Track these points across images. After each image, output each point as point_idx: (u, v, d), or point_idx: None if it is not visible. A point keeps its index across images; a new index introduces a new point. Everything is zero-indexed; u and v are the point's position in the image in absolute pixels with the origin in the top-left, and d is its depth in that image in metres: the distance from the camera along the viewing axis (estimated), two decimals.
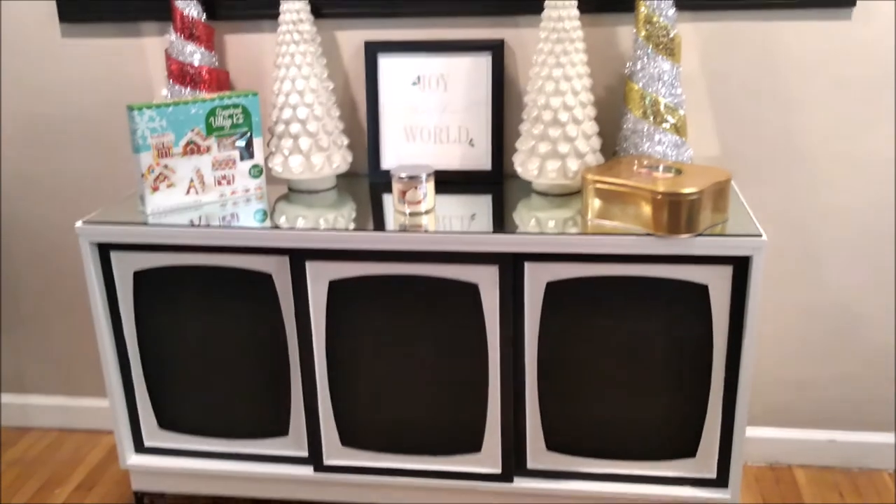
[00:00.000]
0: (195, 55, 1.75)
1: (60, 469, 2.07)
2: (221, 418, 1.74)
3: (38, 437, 2.21)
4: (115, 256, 1.64)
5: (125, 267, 1.64)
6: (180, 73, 1.75)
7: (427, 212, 1.61)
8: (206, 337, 1.68)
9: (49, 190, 2.03)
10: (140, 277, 1.65)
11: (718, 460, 1.60)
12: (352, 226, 1.57)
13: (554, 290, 1.53)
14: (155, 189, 1.65)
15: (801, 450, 1.96)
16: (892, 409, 1.91)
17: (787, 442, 1.96)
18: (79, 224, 1.61)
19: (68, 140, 1.98)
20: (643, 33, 1.61)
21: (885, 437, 1.93)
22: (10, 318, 2.17)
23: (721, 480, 1.61)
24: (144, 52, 1.88)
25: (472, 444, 1.66)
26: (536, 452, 1.65)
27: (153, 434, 1.77)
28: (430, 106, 1.79)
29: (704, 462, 1.61)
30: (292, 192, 1.80)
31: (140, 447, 1.79)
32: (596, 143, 1.67)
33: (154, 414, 1.76)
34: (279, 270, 1.59)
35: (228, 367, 1.69)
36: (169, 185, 1.66)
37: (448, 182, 1.75)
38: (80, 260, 1.64)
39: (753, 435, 1.94)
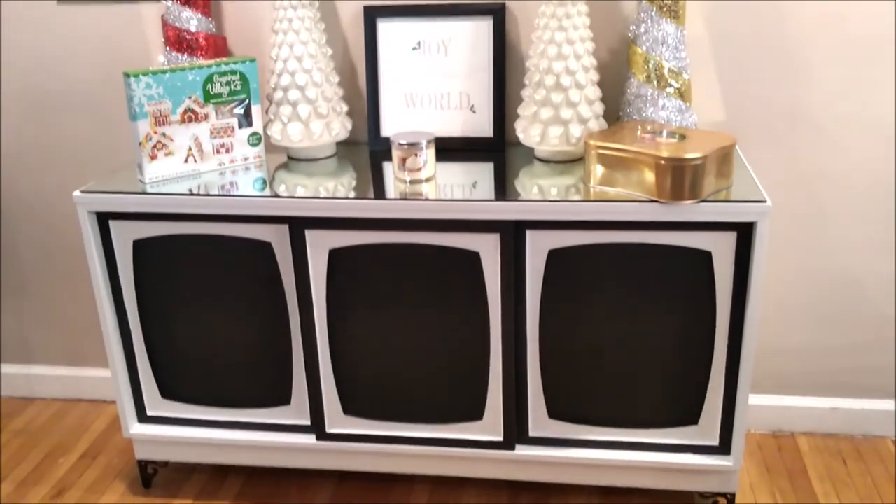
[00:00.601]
0: (192, 21, 1.72)
1: (64, 438, 2.07)
2: (223, 387, 1.74)
3: (43, 406, 2.21)
4: (114, 226, 1.63)
5: (124, 236, 1.63)
6: (177, 40, 1.73)
7: (427, 179, 1.59)
8: (206, 306, 1.67)
9: (47, 158, 2.01)
10: (139, 246, 1.64)
11: (721, 428, 1.60)
12: (352, 194, 1.56)
13: (556, 258, 1.52)
14: (153, 157, 1.63)
15: (804, 417, 1.96)
16: (895, 376, 1.91)
17: (789, 409, 1.95)
18: (77, 193, 1.60)
19: (65, 108, 1.96)
20: None
21: (887, 405, 1.92)
22: (13, 288, 2.16)
23: (723, 447, 1.61)
24: (141, 19, 1.86)
25: (474, 411, 1.65)
26: (538, 420, 1.65)
27: (155, 403, 1.78)
28: (431, 72, 1.76)
29: (707, 429, 1.60)
30: (291, 161, 1.78)
31: (143, 416, 1.79)
32: (599, 108, 1.65)
33: (156, 383, 1.76)
34: (279, 239, 1.58)
35: (229, 336, 1.69)
36: (167, 154, 1.64)
37: (449, 149, 1.73)
38: (80, 229, 1.63)
39: (756, 402, 1.94)
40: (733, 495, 1.66)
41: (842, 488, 1.78)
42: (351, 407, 1.70)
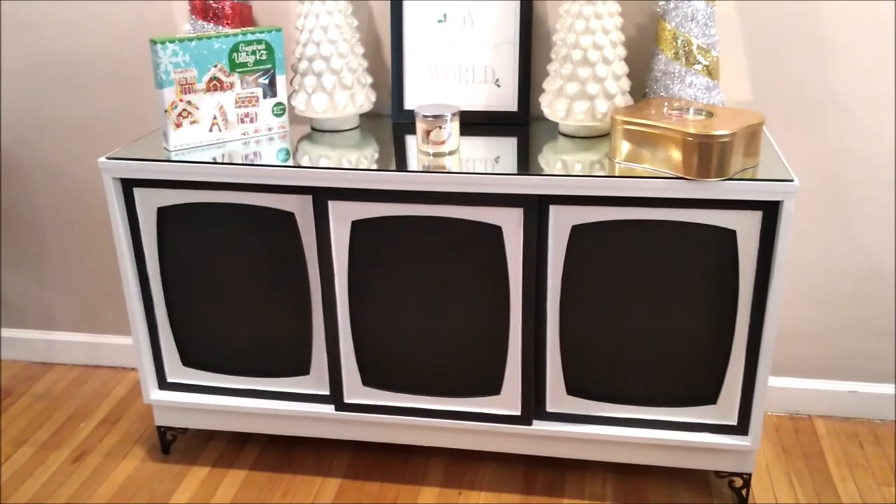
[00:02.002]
0: None
1: (85, 403, 2.10)
2: (243, 356, 1.75)
3: (63, 372, 2.24)
4: (138, 193, 1.64)
5: (149, 203, 1.64)
6: (203, 9, 1.72)
7: (451, 152, 1.59)
8: (228, 275, 1.68)
9: (71, 125, 2.02)
10: (163, 214, 1.65)
11: (739, 408, 1.59)
12: (375, 166, 1.56)
13: (579, 234, 1.51)
14: (178, 125, 1.63)
15: (822, 400, 1.95)
16: None
17: (807, 392, 1.95)
18: (102, 159, 1.61)
19: (91, 76, 1.97)
20: None
21: None
22: (35, 254, 2.18)
23: (741, 428, 1.61)
24: None
25: (493, 386, 1.66)
26: (556, 396, 1.65)
27: (176, 370, 1.79)
28: (456, 45, 1.75)
29: (725, 409, 1.60)
30: (315, 132, 1.78)
31: (163, 383, 1.81)
32: (626, 84, 1.64)
33: (177, 351, 1.77)
34: (302, 209, 1.58)
35: (251, 305, 1.69)
36: (192, 122, 1.64)
37: (473, 123, 1.73)
38: (104, 196, 1.64)
39: (774, 384, 1.93)
40: (749, 475, 1.66)
41: (858, 471, 1.78)
42: (370, 378, 1.70)
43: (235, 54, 1.64)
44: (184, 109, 1.63)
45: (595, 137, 1.67)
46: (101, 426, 2.01)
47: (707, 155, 1.40)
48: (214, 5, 1.72)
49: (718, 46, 1.62)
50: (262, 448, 1.89)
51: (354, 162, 1.57)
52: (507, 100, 1.76)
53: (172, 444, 1.89)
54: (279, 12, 1.83)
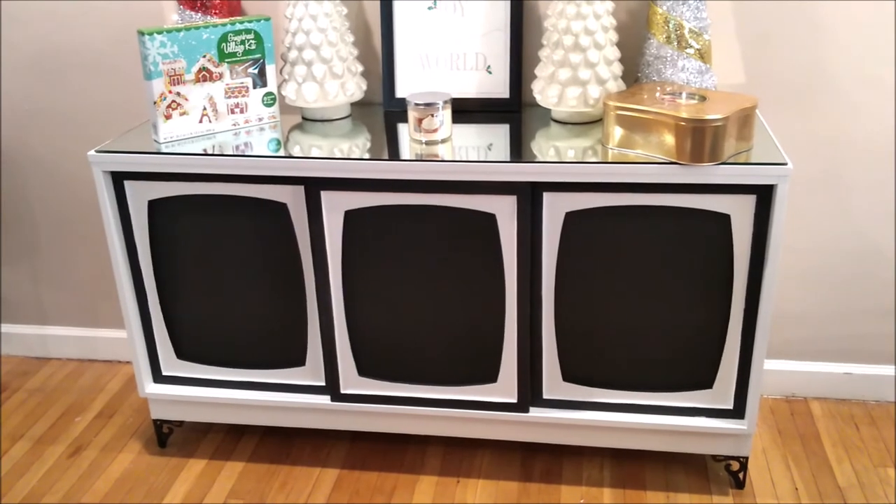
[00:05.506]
0: None
1: (80, 398, 2.09)
2: (238, 348, 1.75)
3: (58, 366, 2.23)
4: (129, 185, 1.62)
5: (139, 196, 1.63)
6: None
7: (443, 140, 1.58)
8: (222, 267, 1.67)
9: (61, 119, 2.01)
10: (155, 206, 1.64)
11: (735, 391, 1.60)
12: (367, 155, 1.55)
13: (573, 220, 1.51)
14: (167, 117, 1.62)
15: (818, 382, 1.95)
16: None
17: (803, 374, 1.95)
18: (92, 153, 1.59)
19: (79, 67, 1.95)
20: None
21: None
22: (28, 249, 2.17)
23: (737, 411, 1.61)
24: None
25: (489, 373, 1.66)
26: (552, 383, 1.65)
27: (171, 363, 1.79)
28: (447, 31, 1.74)
29: (721, 393, 1.60)
30: (306, 121, 1.77)
31: (158, 376, 1.80)
32: (618, 69, 1.63)
33: (172, 344, 1.77)
34: (294, 200, 1.57)
35: (245, 297, 1.69)
36: (182, 113, 1.63)
37: (465, 110, 1.72)
38: (94, 189, 1.63)
39: (770, 367, 1.93)
40: (746, 459, 1.66)
41: (854, 453, 1.79)
42: (365, 368, 1.70)
43: (224, 44, 1.63)
44: (173, 101, 1.61)
45: (587, 123, 1.66)
46: (96, 420, 2.00)
47: (700, 139, 1.39)
48: None
49: (710, 30, 1.61)
50: (260, 440, 1.89)
51: (346, 151, 1.56)
52: (498, 87, 1.74)
53: (169, 437, 1.89)
54: (268, 1, 1.82)
